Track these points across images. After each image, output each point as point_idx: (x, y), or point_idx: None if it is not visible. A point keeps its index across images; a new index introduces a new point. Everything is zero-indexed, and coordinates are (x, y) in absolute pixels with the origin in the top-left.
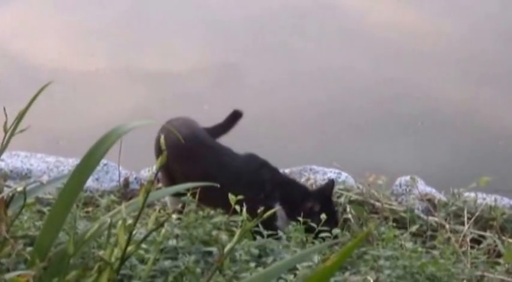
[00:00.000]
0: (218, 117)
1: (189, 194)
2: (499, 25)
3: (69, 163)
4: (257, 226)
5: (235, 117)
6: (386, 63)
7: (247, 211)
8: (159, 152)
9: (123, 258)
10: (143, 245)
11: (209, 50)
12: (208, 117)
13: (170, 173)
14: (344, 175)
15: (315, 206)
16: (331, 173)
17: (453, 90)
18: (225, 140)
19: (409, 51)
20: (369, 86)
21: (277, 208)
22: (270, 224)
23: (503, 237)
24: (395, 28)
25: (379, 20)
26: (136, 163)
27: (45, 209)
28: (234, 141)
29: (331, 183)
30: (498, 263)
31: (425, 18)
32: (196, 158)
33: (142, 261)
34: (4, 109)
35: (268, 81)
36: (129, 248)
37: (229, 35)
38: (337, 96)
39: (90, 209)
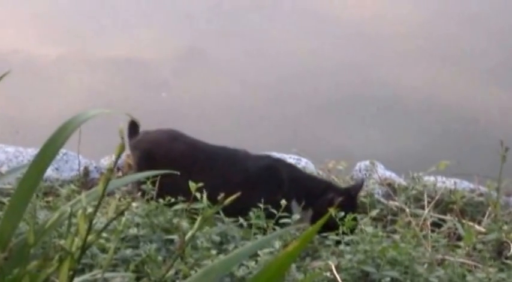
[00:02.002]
0: (176, 104)
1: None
2: (461, 10)
3: (29, 153)
4: (218, 213)
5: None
6: (348, 48)
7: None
8: (148, 162)
9: (84, 248)
10: (104, 234)
11: (171, 37)
12: (166, 104)
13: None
14: (304, 161)
15: (335, 199)
16: (291, 159)
17: (412, 75)
18: (187, 126)
19: (370, 36)
20: (331, 71)
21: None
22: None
23: (463, 221)
24: (359, 12)
25: (344, 5)
26: (96, 152)
27: (5, 200)
28: (194, 128)
29: (360, 183)
30: (458, 246)
31: (388, 2)
32: (210, 166)
33: (104, 250)
34: None
35: (230, 66)
36: (90, 237)
37: (192, 22)
38: (299, 81)
39: (50, 198)
